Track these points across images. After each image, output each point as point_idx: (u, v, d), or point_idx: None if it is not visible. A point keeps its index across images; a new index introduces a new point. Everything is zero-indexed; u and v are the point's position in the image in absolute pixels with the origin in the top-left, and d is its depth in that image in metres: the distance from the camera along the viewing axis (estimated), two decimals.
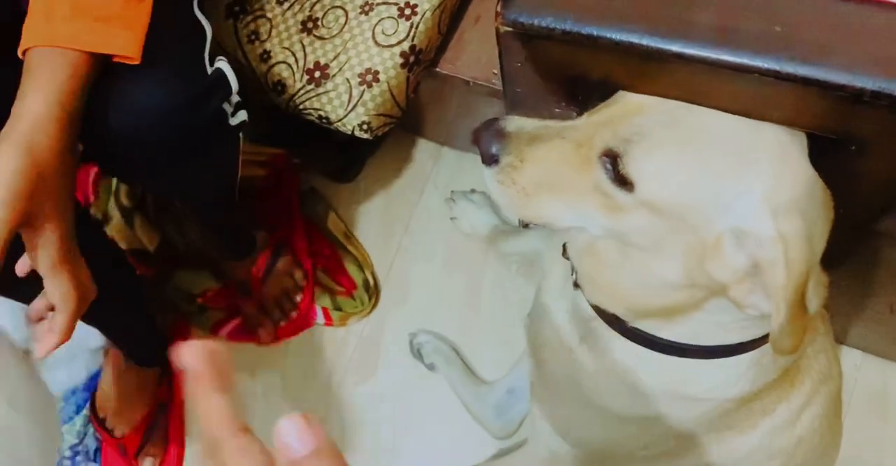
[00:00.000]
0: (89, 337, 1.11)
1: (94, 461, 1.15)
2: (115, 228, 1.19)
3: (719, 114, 0.50)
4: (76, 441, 1.15)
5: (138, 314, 1.04)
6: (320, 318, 1.19)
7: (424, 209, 1.27)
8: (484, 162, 0.56)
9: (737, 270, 0.48)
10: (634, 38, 0.49)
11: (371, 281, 1.20)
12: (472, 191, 1.23)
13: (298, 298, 1.18)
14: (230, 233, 1.07)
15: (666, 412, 0.65)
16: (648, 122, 0.51)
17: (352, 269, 1.21)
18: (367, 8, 0.81)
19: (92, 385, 1.16)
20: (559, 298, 0.72)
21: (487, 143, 0.55)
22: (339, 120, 0.82)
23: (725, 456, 0.73)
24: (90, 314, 0.82)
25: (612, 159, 0.50)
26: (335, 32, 0.81)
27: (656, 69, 0.51)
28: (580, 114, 0.65)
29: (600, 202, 0.52)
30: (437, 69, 0.86)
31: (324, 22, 0.81)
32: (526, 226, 1.13)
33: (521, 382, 1.08)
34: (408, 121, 1.24)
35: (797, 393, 0.70)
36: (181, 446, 1.16)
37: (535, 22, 0.51)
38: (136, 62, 0.61)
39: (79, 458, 1.15)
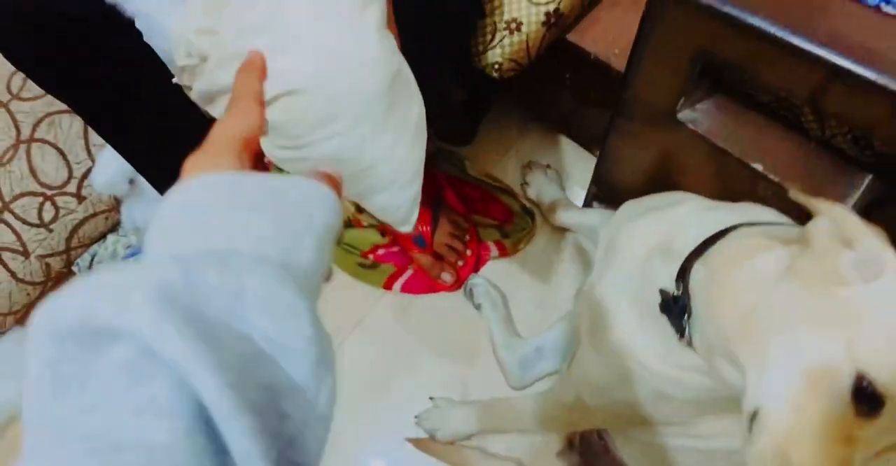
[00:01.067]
0: None
1: None
2: None
3: None
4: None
5: None
6: (494, 251, 1.26)
7: (501, 170, 1.35)
8: None
9: None
10: (765, 25, 0.57)
11: (526, 204, 1.28)
12: (548, 166, 1.31)
13: (467, 238, 1.25)
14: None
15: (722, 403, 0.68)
16: None
17: (506, 199, 1.29)
18: None
19: None
20: (624, 285, 0.76)
21: None
22: (478, 55, 0.90)
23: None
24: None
25: None
26: None
27: (776, 59, 0.58)
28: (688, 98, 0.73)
29: None
30: (567, 36, 0.94)
31: None
32: (589, 204, 1.21)
33: (550, 344, 1.15)
34: (510, 94, 1.33)
35: None
36: None
37: None
38: None
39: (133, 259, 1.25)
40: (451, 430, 1.13)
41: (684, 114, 0.78)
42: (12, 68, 1.22)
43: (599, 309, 0.79)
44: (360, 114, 0.61)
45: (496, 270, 1.27)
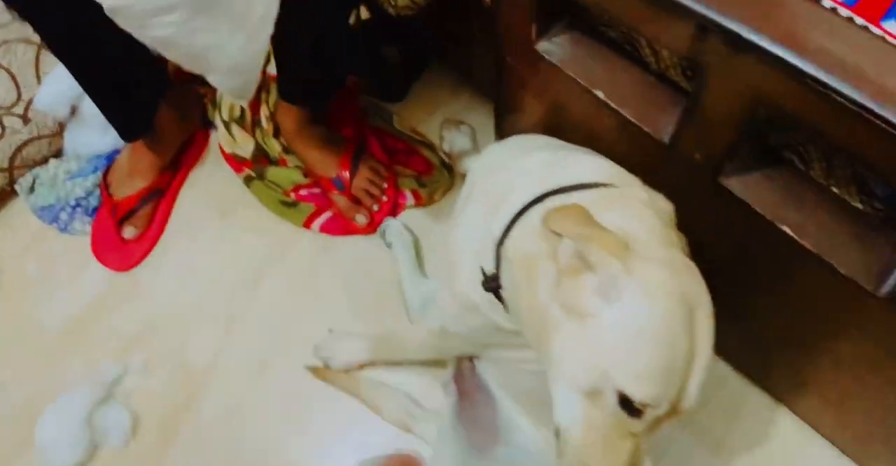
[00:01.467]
0: None
1: (90, 216, 1.32)
2: (220, 135, 1.38)
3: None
4: (83, 194, 1.32)
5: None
6: (410, 200, 1.33)
7: (427, 127, 1.42)
8: None
9: None
10: None
11: (445, 159, 1.35)
12: (461, 122, 1.38)
13: (385, 185, 1.32)
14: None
15: None
16: None
17: (427, 153, 1.36)
18: None
19: (113, 155, 1.34)
20: (470, 238, 0.81)
21: None
22: None
23: None
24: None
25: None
26: None
27: None
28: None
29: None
30: None
31: None
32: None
33: None
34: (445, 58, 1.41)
35: None
36: (161, 229, 1.33)
37: None
38: None
39: (79, 210, 1.33)
40: (343, 359, 1.19)
41: (542, 46, 0.85)
42: None
43: (450, 252, 0.86)
44: (196, 8, 0.70)
45: (412, 218, 1.33)
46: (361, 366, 1.19)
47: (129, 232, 1.29)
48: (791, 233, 0.76)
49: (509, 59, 0.92)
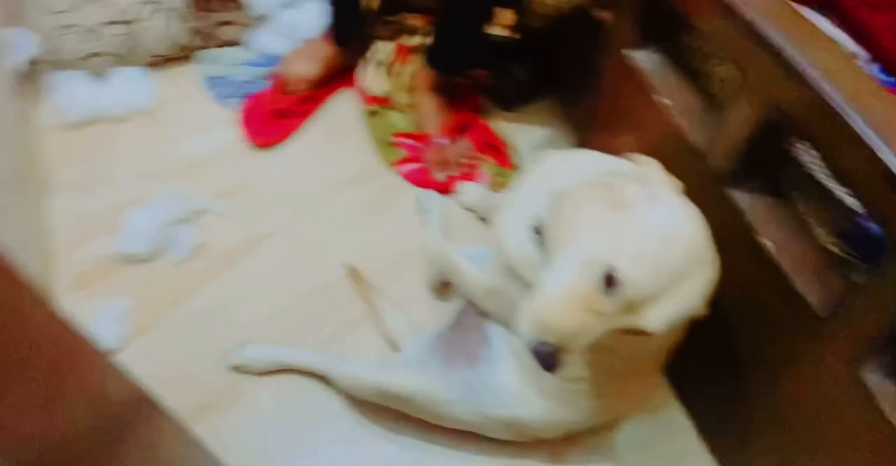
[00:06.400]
0: None
1: (242, 97, 1.51)
2: (365, 70, 1.57)
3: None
4: (247, 80, 1.53)
5: None
6: (483, 178, 1.45)
7: (521, 137, 1.55)
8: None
9: None
10: None
11: (521, 163, 1.49)
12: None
13: (469, 162, 1.45)
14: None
15: None
16: None
17: (511, 155, 1.51)
18: None
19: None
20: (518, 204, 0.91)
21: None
22: None
23: None
24: None
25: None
26: None
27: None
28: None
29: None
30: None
31: None
32: None
33: (477, 255, 1.19)
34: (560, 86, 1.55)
35: None
36: (299, 122, 1.51)
37: None
38: None
39: (237, 90, 1.51)
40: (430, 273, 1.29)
41: (637, 54, 0.99)
42: None
43: (503, 210, 0.95)
44: None
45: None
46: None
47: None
48: (769, 248, 0.83)
49: (608, 63, 1.05)
